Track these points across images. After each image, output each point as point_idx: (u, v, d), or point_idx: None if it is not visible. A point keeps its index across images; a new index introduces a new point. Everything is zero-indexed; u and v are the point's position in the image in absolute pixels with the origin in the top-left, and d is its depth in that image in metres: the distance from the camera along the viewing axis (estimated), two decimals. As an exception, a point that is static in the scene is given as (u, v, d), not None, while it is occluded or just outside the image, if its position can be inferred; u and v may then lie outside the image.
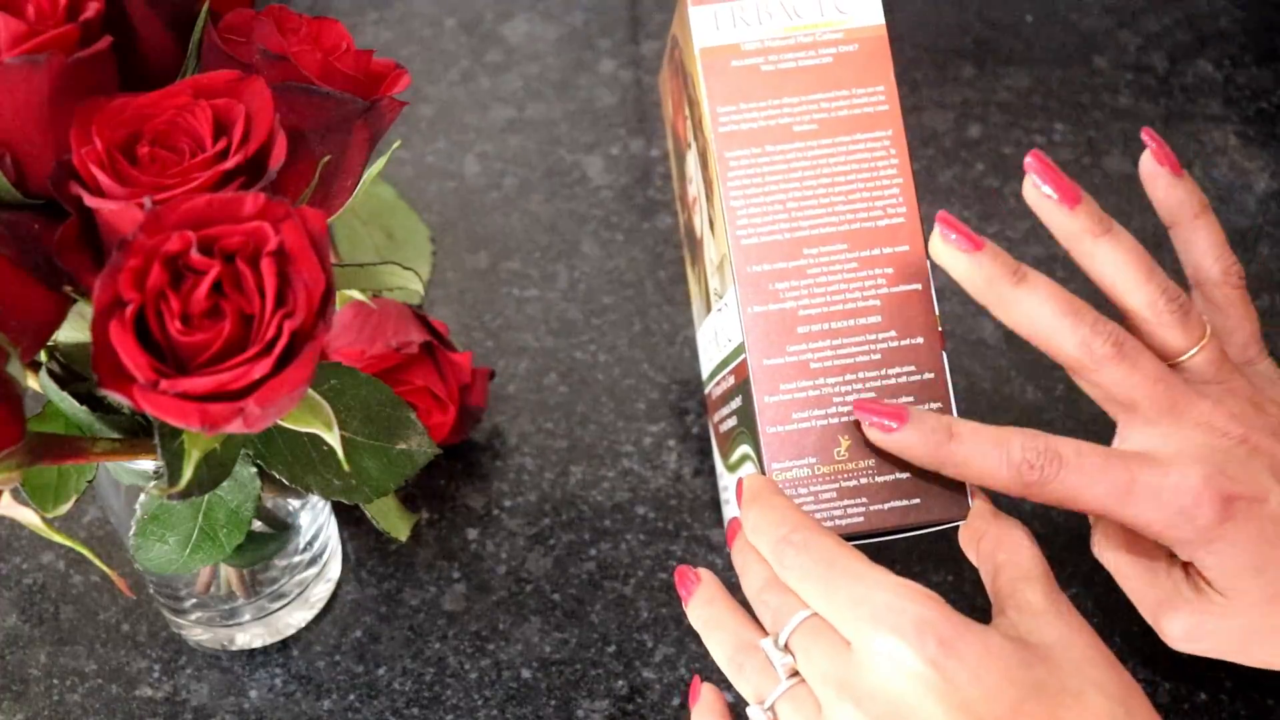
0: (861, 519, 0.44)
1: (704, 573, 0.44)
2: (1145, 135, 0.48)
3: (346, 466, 0.43)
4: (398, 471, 0.45)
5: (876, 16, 0.46)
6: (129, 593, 0.53)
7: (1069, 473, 0.42)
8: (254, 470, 0.44)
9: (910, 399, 0.45)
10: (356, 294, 0.50)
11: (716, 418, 0.51)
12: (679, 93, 0.51)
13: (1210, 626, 0.44)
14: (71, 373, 0.41)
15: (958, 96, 0.74)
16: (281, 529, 0.52)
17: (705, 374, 0.53)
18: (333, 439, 0.37)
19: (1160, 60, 0.75)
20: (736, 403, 0.47)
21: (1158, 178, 0.48)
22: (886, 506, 0.44)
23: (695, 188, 0.50)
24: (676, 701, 0.53)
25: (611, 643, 0.55)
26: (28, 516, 0.40)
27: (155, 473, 0.45)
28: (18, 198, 0.36)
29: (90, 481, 0.44)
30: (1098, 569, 0.55)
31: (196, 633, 0.54)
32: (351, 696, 0.53)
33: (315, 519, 0.54)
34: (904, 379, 0.45)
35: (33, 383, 0.41)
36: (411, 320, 0.57)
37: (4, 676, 0.54)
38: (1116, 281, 0.44)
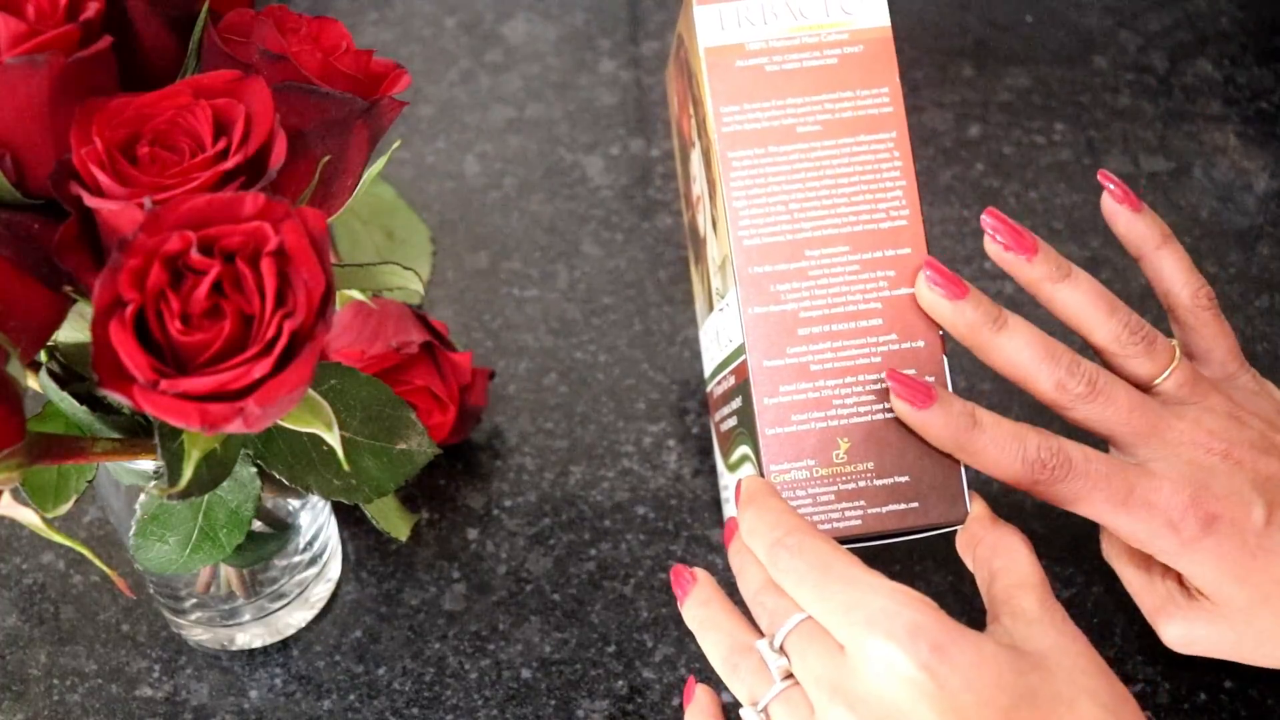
0: (859, 522, 0.44)
1: (700, 573, 0.44)
2: (1101, 177, 0.50)
3: (346, 466, 0.43)
4: (398, 471, 0.45)
5: (882, 18, 0.46)
6: (129, 593, 0.53)
7: (1075, 477, 0.44)
8: (254, 470, 0.44)
9: None
10: (356, 294, 0.50)
11: (717, 417, 0.51)
12: (684, 91, 0.51)
13: (1201, 631, 0.46)
14: (71, 373, 0.41)
15: (958, 96, 0.74)
16: (281, 529, 0.52)
17: (707, 372, 0.53)
18: (333, 439, 0.37)
19: (1160, 60, 0.75)
20: (737, 403, 0.47)
21: (1118, 214, 0.50)
22: (885, 510, 0.44)
23: (699, 186, 0.50)
24: (676, 701, 0.53)
25: (611, 643, 0.55)
26: (28, 516, 0.40)
27: (155, 473, 0.45)
28: (18, 198, 0.36)
29: (90, 481, 0.44)
30: (1097, 570, 0.55)
31: (196, 633, 0.54)
32: (351, 696, 0.53)
33: (315, 519, 0.54)
34: None
35: (33, 383, 0.41)
36: (411, 320, 0.57)
37: (4, 676, 0.54)
38: (1081, 321, 0.47)
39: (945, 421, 0.44)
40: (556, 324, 0.65)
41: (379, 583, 0.56)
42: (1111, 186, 0.50)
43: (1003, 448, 0.44)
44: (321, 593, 0.56)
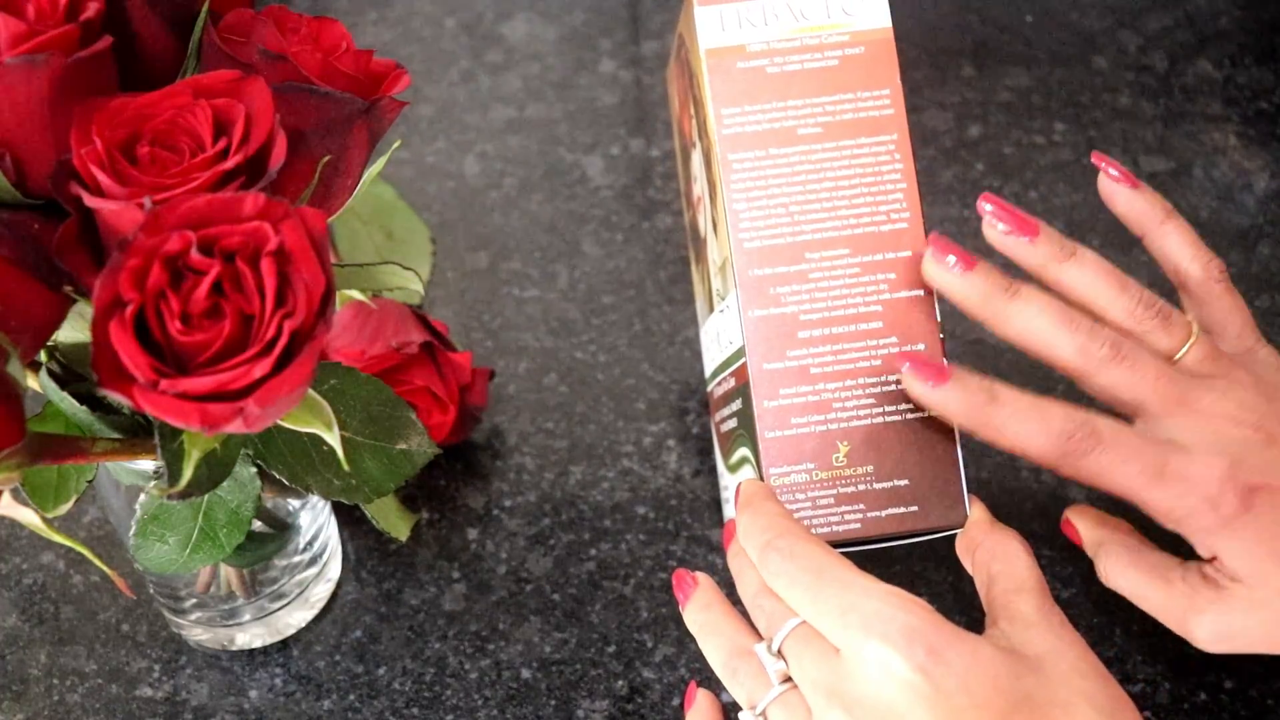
0: (858, 525, 0.44)
1: (701, 576, 0.44)
2: (1095, 159, 0.49)
3: (346, 466, 0.43)
4: (398, 471, 0.45)
5: (883, 19, 0.46)
6: (129, 593, 0.53)
7: (1105, 450, 0.42)
8: (254, 470, 0.44)
9: (909, 406, 0.45)
10: (356, 294, 0.50)
11: (718, 417, 0.51)
12: (685, 91, 0.51)
13: (1238, 624, 0.44)
14: (71, 373, 0.41)
15: (958, 96, 0.74)
16: (281, 529, 0.52)
17: (708, 373, 0.53)
18: (333, 439, 0.37)
19: (1160, 60, 0.75)
20: (737, 405, 0.47)
21: (1116, 193, 0.49)
22: (884, 513, 0.44)
23: (700, 187, 0.50)
24: (676, 702, 0.53)
25: (611, 643, 0.55)
26: (28, 516, 0.40)
27: (155, 473, 0.45)
28: (18, 198, 0.36)
29: (90, 481, 0.44)
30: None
31: (196, 633, 0.54)
32: (351, 696, 0.53)
33: (315, 519, 0.54)
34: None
35: (33, 383, 0.41)
36: (411, 320, 0.57)
37: (4, 676, 0.54)
38: (1092, 300, 0.45)
39: (963, 398, 0.42)
40: (556, 324, 0.65)
41: (379, 583, 0.56)
42: (1106, 167, 0.49)
43: (1026, 421, 0.42)
44: (321, 593, 0.56)
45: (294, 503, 0.52)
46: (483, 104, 0.74)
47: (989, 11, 0.78)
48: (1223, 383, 0.44)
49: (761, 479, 0.45)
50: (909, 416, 0.45)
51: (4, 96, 0.34)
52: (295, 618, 0.55)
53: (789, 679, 0.40)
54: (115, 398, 0.32)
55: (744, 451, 0.47)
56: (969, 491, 0.45)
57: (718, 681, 0.47)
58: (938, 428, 0.45)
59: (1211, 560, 0.44)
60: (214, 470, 0.39)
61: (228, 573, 0.52)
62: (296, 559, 0.54)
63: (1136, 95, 0.73)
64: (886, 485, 0.44)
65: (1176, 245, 0.48)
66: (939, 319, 0.45)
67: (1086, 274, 0.45)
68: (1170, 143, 0.71)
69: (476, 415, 0.59)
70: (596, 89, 0.75)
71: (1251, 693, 0.52)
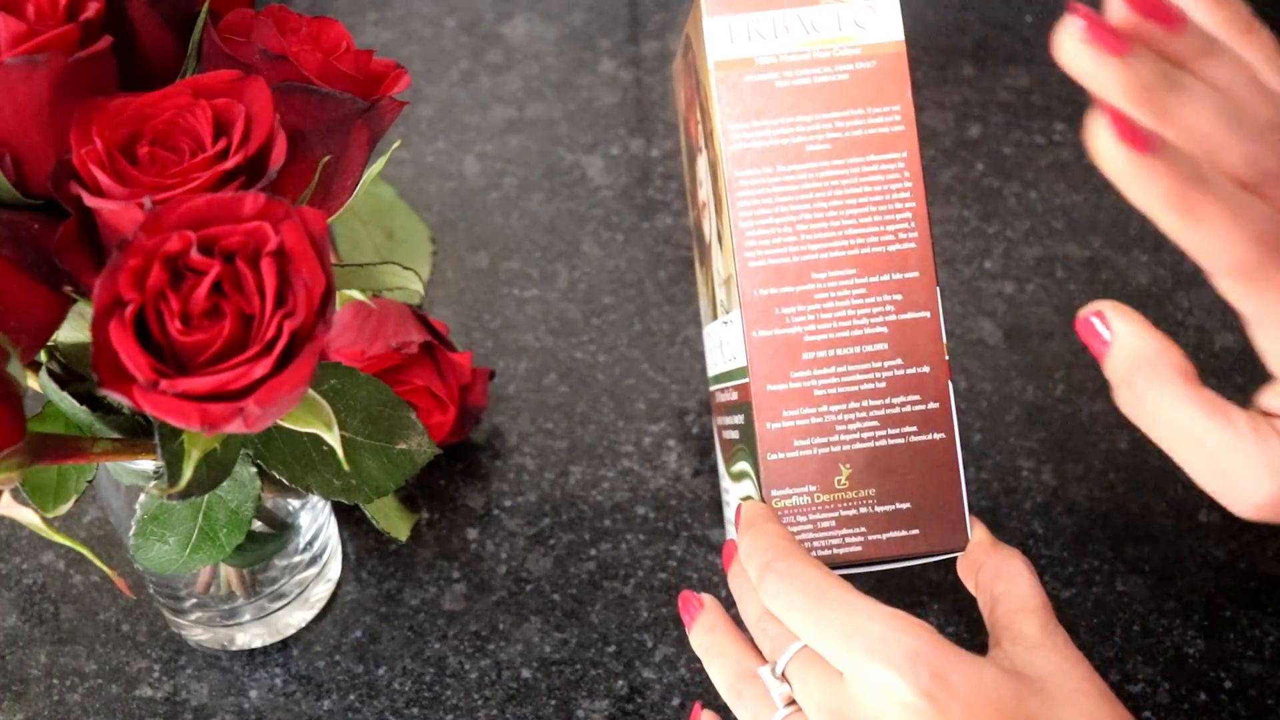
0: (860, 548, 0.44)
1: (707, 598, 0.44)
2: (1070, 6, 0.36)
3: (346, 466, 0.43)
4: (398, 471, 0.45)
5: (896, 33, 0.45)
6: (129, 593, 0.53)
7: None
8: (254, 470, 0.44)
9: (913, 429, 0.44)
10: (356, 294, 0.50)
11: (720, 422, 0.51)
12: (691, 92, 0.50)
13: None
14: (71, 373, 0.41)
15: (958, 96, 0.74)
16: (281, 529, 0.52)
17: (710, 374, 0.53)
18: (333, 439, 0.37)
19: (1160, 60, 0.75)
20: (739, 419, 0.47)
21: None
22: (885, 536, 0.44)
23: (705, 193, 0.50)
24: (676, 701, 0.53)
25: (611, 643, 0.55)
26: (28, 516, 0.40)
27: (155, 473, 0.45)
28: (18, 198, 0.36)
29: (90, 481, 0.44)
30: (1097, 569, 0.55)
31: (196, 633, 0.54)
32: (351, 696, 0.53)
33: (315, 519, 0.54)
34: (908, 408, 0.44)
35: (33, 383, 0.41)
36: (411, 320, 0.57)
37: (4, 676, 0.54)
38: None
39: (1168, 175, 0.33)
40: (556, 324, 0.65)
41: (379, 583, 0.56)
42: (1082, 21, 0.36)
43: (1235, 208, 0.33)
44: (321, 593, 0.56)
45: (294, 503, 0.52)
46: (483, 104, 0.74)
47: (989, 11, 0.78)
48: None
49: (762, 499, 0.44)
50: (912, 439, 0.44)
51: (4, 96, 0.34)
52: (295, 618, 0.55)
53: (793, 702, 0.40)
54: (115, 398, 0.32)
55: (745, 466, 0.46)
56: (970, 514, 0.45)
57: (723, 705, 0.47)
58: (940, 451, 0.44)
59: None
60: (214, 470, 0.39)
61: (228, 573, 0.52)
62: (296, 559, 0.54)
63: (1136, 95, 0.73)
64: (888, 508, 0.44)
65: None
66: (945, 340, 0.45)
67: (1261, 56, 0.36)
68: (1170, 143, 0.71)
69: (476, 415, 0.59)
70: (596, 89, 0.75)
71: (1251, 693, 0.52)
